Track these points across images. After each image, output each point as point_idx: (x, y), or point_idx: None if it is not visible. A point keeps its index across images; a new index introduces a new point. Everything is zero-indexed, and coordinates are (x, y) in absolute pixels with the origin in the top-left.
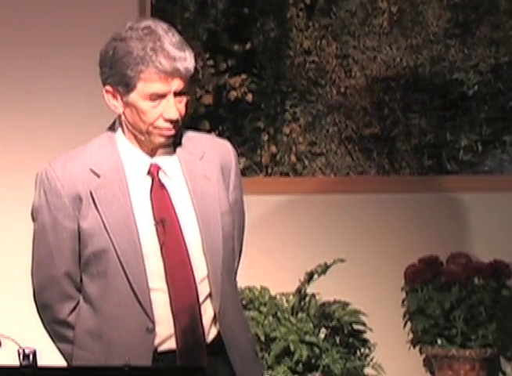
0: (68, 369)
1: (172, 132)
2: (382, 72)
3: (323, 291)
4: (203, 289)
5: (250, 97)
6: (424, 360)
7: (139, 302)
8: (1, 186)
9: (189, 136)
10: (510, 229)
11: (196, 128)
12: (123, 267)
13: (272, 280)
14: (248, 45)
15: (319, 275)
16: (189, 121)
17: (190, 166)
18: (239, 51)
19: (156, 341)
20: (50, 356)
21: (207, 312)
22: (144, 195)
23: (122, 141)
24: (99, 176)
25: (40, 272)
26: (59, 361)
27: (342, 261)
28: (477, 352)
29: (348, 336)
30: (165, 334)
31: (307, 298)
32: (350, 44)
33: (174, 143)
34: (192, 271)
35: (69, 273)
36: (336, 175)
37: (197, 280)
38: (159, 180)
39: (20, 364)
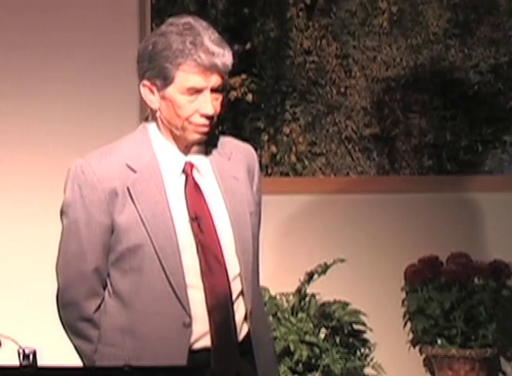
0: (68, 369)
1: (207, 129)
2: (382, 72)
3: (323, 291)
4: (236, 287)
5: (250, 97)
6: (424, 360)
7: (177, 297)
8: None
9: (217, 137)
10: (510, 229)
11: None
12: (160, 262)
13: (272, 280)
14: (248, 45)
15: (319, 275)
16: None
17: (220, 166)
18: (239, 51)
19: (192, 338)
20: (50, 356)
21: (239, 310)
22: (178, 192)
23: (157, 137)
24: (135, 172)
25: (69, 268)
26: (59, 361)
27: (342, 261)
28: (477, 352)
29: (348, 336)
30: (200, 332)
31: (307, 298)
32: (350, 44)
33: (205, 143)
34: (226, 269)
35: (98, 269)
36: (336, 175)
37: (230, 278)
38: (193, 178)
39: (20, 364)
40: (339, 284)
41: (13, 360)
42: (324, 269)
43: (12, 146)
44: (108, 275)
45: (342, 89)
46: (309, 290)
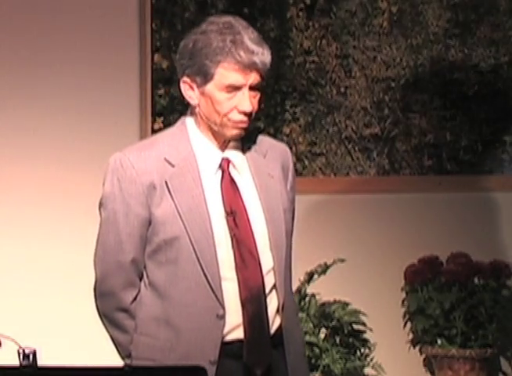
0: (68, 369)
1: (245, 125)
2: (382, 72)
3: (323, 291)
4: (269, 280)
5: None
6: (424, 360)
7: (211, 289)
8: None
9: (253, 135)
10: (510, 229)
11: None
12: (196, 254)
13: None
14: None
15: (319, 275)
16: None
17: (256, 163)
18: None
19: (225, 330)
20: (50, 356)
21: (272, 303)
22: (214, 187)
23: (195, 133)
24: (173, 166)
25: (106, 259)
26: (59, 361)
27: (342, 261)
28: (477, 352)
29: (348, 336)
30: (234, 323)
31: (307, 298)
32: (350, 44)
33: (241, 140)
34: (260, 262)
35: (135, 260)
36: (336, 175)
37: (264, 272)
38: (229, 174)
39: (20, 364)
40: (339, 284)
41: (13, 360)
42: (324, 269)
43: (12, 146)
44: (144, 267)
45: (342, 89)
46: (309, 290)
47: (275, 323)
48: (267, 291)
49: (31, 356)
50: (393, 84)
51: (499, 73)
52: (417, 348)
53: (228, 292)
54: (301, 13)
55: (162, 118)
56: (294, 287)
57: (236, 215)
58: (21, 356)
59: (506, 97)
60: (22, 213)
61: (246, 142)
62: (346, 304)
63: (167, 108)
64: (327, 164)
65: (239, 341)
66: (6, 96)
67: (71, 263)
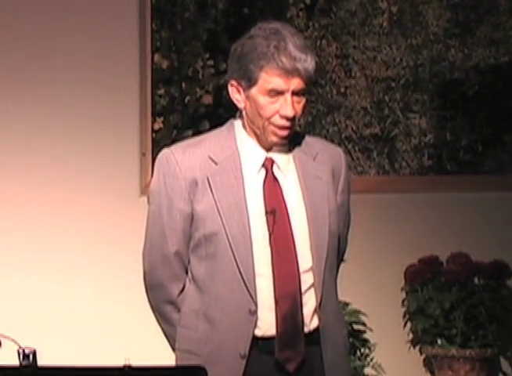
0: (68, 369)
1: (285, 133)
2: (382, 72)
3: None
4: (307, 279)
5: None
6: (424, 360)
7: (245, 285)
8: None
9: (304, 137)
10: (510, 229)
11: (196, 128)
12: (232, 250)
13: None
14: None
15: None
16: (190, 121)
17: (303, 165)
18: None
19: (257, 326)
20: (50, 356)
21: (310, 302)
22: (257, 186)
23: (241, 133)
24: (216, 163)
25: (153, 252)
26: (59, 361)
27: (342, 261)
28: (477, 352)
29: (348, 336)
30: (266, 320)
31: None
32: (350, 44)
33: (290, 142)
34: (297, 261)
35: (179, 253)
36: None
37: (301, 271)
38: (272, 173)
39: (20, 364)
40: (339, 284)
41: (13, 360)
42: None
43: (11, 146)
44: (189, 262)
45: (342, 89)
46: None
47: (313, 321)
48: (304, 289)
49: (31, 356)
50: (393, 84)
51: (499, 73)
52: (417, 348)
53: (261, 288)
54: (301, 13)
55: (162, 118)
56: None
57: (276, 213)
58: (21, 356)
59: (506, 97)
60: (22, 214)
61: (295, 144)
62: (346, 304)
63: (167, 108)
64: None
65: (272, 337)
66: (6, 96)
67: (71, 263)
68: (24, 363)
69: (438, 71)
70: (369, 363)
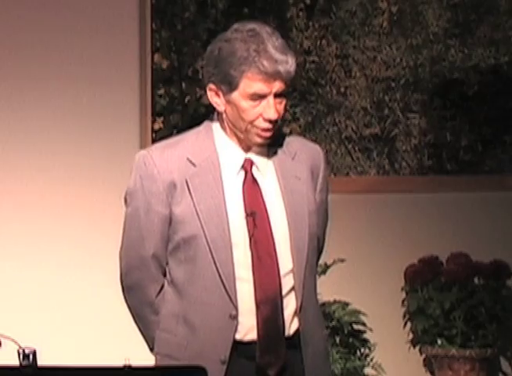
0: (68, 369)
1: (269, 134)
2: (382, 72)
3: (323, 291)
4: (287, 282)
5: None
6: (424, 360)
7: (225, 289)
8: None
9: (283, 136)
10: (510, 229)
11: None
12: (212, 254)
13: None
14: None
15: (319, 275)
16: (190, 121)
17: (282, 165)
18: None
19: (238, 330)
20: (50, 356)
21: (289, 305)
22: (236, 188)
23: (220, 135)
24: (194, 165)
25: (129, 253)
26: (59, 361)
27: (342, 261)
28: (477, 352)
29: (348, 336)
30: (247, 324)
31: None
32: (350, 44)
33: (269, 142)
34: (278, 264)
35: (157, 256)
36: (336, 175)
37: (282, 274)
38: (252, 175)
39: (20, 364)
40: (339, 284)
41: (13, 360)
42: (324, 269)
43: (11, 148)
44: (167, 264)
45: (342, 89)
46: None
47: (292, 325)
48: (285, 292)
49: (31, 356)
50: (393, 84)
51: (499, 73)
52: (417, 348)
53: (242, 293)
54: (301, 13)
55: (162, 118)
56: None
57: (255, 215)
58: (21, 356)
59: (506, 97)
60: (22, 214)
61: (273, 143)
62: (346, 304)
63: (167, 108)
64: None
65: (253, 342)
66: (6, 97)
67: (72, 263)
68: (24, 363)
69: (438, 71)
70: (369, 363)
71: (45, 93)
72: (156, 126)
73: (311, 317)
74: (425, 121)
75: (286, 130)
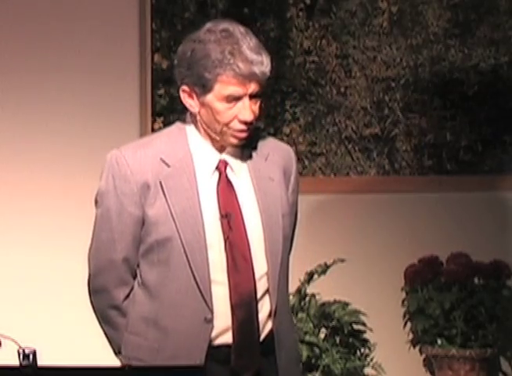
0: (68, 369)
1: (245, 135)
2: (382, 72)
3: (323, 291)
4: (262, 285)
5: None
6: (424, 360)
7: (200, 292)
8: None
9: (256, 137)
10: (510, 229)
11: None
12: (186, 256)
13: None
14: None
15: (319, 275)
16: None
17: (256, 166)
18: None
19: (213, 334)
20: (50, 356)
21: (263, 309)
22: (210, 189)
23: (193, 135)
24: (168, 166)
25: (99, 256)
26: (59, 361)
27: (342, 261)
28: (477, 352)
29: (348, 336)
30: (222, 328)
31: (307, 298)
32: (350, 44)
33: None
34: (253, 267)
35: (127, 259)
36: (336, 175)
37: (257, 277)
38: (226, 176)
39: (20, 364)
40: (339, 284)
41: (13, 360)
42: (324, 269)
43: (11, 147)
44: (138, 266)
45: (342, 89)
46: (309, 290)
47: (266, 328)
48: (259, 295)
49: (31, 356)
50: (393, 84)
51: (499, 73)
52: (417, 348)
53: (217, 296)
54: (301, 13)
55: (162, 118)
56: (294, 287)
57: (230, 217)
58: (21, 356)
59: (506, 97)
60: (21, 215)
61: (247, 144)
62: (346, 304)
63: (167, 108)
64: (327, 164)
65: (228, 345)
66: (6, 97)
67: (71, 263)
68: (24, 363)
69: (438, 71)
70: (369, 363)
71: (45, 93)
72: (156, 126)
73: (285, 320)
74: (425, 121)
75: (286, 130)
